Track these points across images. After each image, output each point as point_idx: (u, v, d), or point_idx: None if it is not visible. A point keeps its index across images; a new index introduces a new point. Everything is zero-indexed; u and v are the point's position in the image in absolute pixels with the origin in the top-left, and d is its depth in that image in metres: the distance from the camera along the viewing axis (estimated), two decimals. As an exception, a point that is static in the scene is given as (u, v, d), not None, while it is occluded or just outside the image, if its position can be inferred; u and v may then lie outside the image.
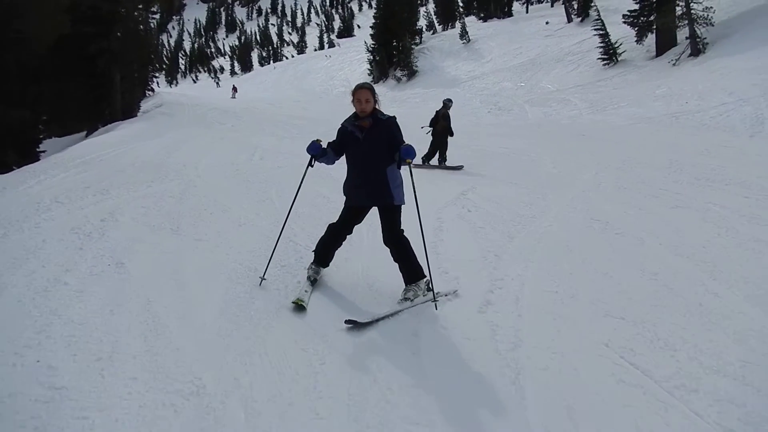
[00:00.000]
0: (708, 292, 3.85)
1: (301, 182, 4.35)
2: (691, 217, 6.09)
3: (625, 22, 21.04)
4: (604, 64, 21.58)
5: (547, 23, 33.04)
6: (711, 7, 17.40)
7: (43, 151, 19.43)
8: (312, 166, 4.19)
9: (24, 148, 18.64)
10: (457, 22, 41.08)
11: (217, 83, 46.51)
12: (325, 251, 4.27)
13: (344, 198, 4.25)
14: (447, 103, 11.63)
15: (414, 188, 3.86)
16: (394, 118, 4.04)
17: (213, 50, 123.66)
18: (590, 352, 3.02)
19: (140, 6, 28.31)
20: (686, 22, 17.78)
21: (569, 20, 31.99)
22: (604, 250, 4.98)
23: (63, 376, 2.72)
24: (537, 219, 6.25)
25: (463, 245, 5.12)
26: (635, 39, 20.90)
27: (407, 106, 25.16)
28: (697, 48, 17.31)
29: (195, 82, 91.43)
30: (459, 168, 10.16)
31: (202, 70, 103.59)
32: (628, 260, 4.66)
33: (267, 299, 3.85)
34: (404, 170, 3.99)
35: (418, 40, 39.92)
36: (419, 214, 3.91)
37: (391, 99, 27.66)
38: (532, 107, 19.76)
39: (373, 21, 40.62)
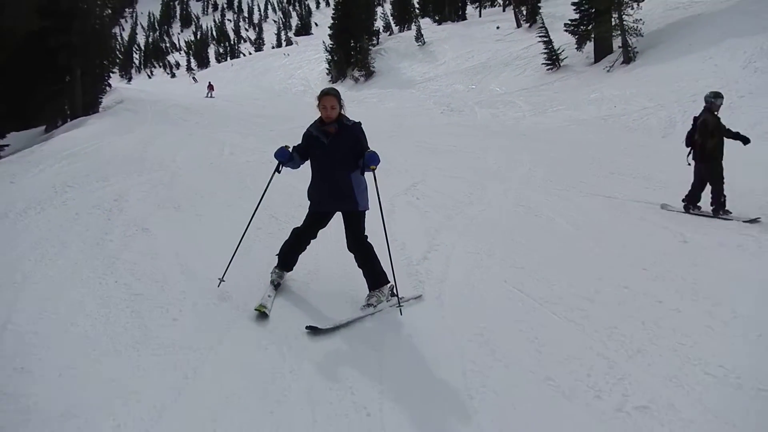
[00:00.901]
0: (590, 250, 5.17)
1: (267, 186, 4.40)
2: (597, 202, 7.45)
3: (566, 31, 22.68)
4: (548, 69, 23.22)
5: (498, 28, 34.65)
6: (640, 20, 19.18)
7: (7, 145, 19.75)
8: (279, 172, 4.19)
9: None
10: (413, 24, 42.46)
11: (194, 78, 43.20)
12: (289, 255, 4.32)
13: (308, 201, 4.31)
14: (713, 102, 7.04)
15: (378, 194, 3.97)
16: (359, 124, 4.09)
17: (168, 45, 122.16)
18: (494, 285, 4.29)
19: (99, 1, 28.56)
20: (619, 32, 19.53)
21: (518, 25, 33.64)
22: (522, 227, 6.25)
23: (136, 288, 3.97)
24: (474, 205, 7.48)
25: (410, 223, 6.30)
26: (575, 46, 22.59)
27: (365, 106, 26.31)
28: (628, 56, 19.06)
29: (150, 77, 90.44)
30: (755, 221, 6.31)
31: (157, 65, 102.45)
32: (538, 233, 5.94)
33: (262, 255, 4.87)
34: (368, 176, 4.05)
35: (375, 41, 41.10)
36: (383, 220, 4.04)
37: (349, 99, 28.30)
38: (481, 108, 21.20)
39: (332, 21, 41.63)
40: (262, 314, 3.80)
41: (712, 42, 15.74)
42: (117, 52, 42.36)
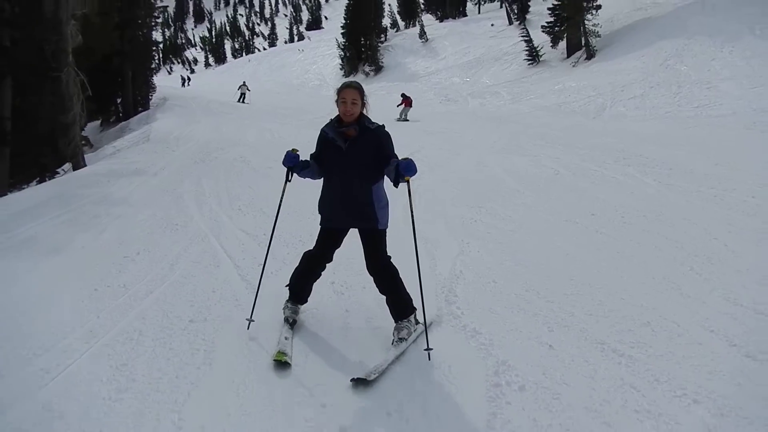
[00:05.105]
0: (502, 179, 9.60)
1: (281, 199, 3.96)
2: (526, 159, 11.75)
3: (543, 31, 26.95)
4: (529, 64, 27.46)
5: (492, 25, 38.79)
6: (598, 23, 23.45)
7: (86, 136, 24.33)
8: (290, 181, 3.73)
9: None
10: (417, 21, 46.70)
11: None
12: (301, 285, 3.84)
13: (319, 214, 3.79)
14: None
15: (411, 208, 3.63)
16: (383, 127, 3.63)
17: (183, 41, 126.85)
18: (445, 186, 8.74)
19: (145, 14, 32.97)
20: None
21: (510, 22, 37.78)
22: (472, 172, 10.67)
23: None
24: (449, 163, 11.81)
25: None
26: (551, 45, 26.88)
27: (374, 98, 29.10)
28: (590, 53, 23.35)
29: (170, 73, 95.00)
30: None
31: (175, 61, 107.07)
32: (480, 173, 10.36)
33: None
34: (391, 190, 3.71)
35: (383, 38, 45.45)
36: (415, 239, 3.63)
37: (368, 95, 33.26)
38: (472, 99, 25.60)
39: (343, 20, 45.96)
40: (283, 364, 3.31)
41: (647, 43, 20.03)
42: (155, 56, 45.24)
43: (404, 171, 3.32)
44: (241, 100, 31.71)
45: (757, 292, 4.33)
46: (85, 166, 13.02)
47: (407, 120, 20.89)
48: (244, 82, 35.35)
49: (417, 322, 3.72)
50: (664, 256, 5.32)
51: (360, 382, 3.13)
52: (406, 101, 21.80)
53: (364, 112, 3.61)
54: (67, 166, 14.60)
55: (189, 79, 55.68)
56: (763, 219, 6.39)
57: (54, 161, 15.06)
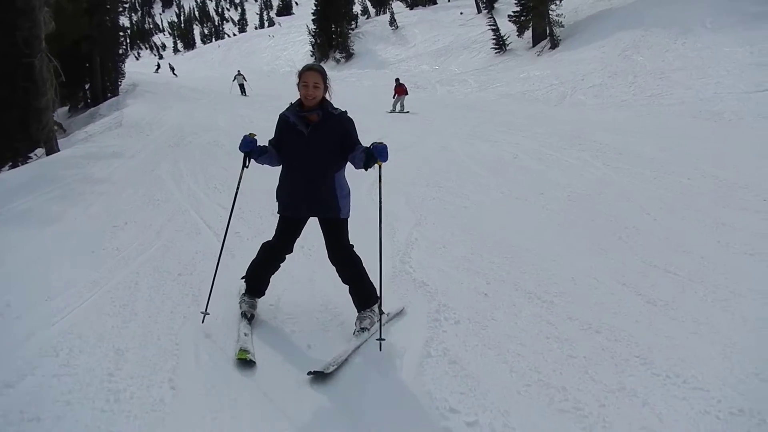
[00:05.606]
0: (462, 161, 10.24)
1: (238, 186, 3.77)
2: (486, 144, 12.44)
3: (510, 20, 27.70)
4: (496, 53, 28.23)
5: (461, 13, 39.50)
6: (562, 14, 24.27)
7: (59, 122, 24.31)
8: (247, 167, 3.55)
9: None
10: (388, 9, 47.10)
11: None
12: (258, 277, 3.72)
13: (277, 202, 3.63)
14: None
15: (380, 196, 3.62)
16: (346, 113, 3.49)
17: (151, 26, 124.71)
18: (410, 166, 9.32)
19: (112, -2, 32.73)
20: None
21: (479, 11, 38.47)
22: (437, 155, 11.29)
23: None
24: (415, 147, 12.42)
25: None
26: (517, 34, 27.64)
27: (345, 84, 31.11)
28: (554, 43, 24.15)
29: (137, 59, 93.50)
30: None
31: (143, 47, 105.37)
32: (443, 157, 10.97)
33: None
34: (356, 178, 3.64)
35: (354, 25, 45.77)
36: (381, 228, 3.58)
37: (332, 79, 33.40)
38: (441, 86, 26.23)
39: (314, 7, 46.08)
40: (246, 362, 3.18)
41: (607, 34, 20.91)
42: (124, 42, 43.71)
43: (378, 155, 3.26)
44: (242, 92, 27.40)
45: (671, 257, 5.04)
46: (59, 150, 13.28)
47: (406, 112, 19.23)
48: (239, 71, 29.92)
49: (382, 312, 3.61)
50: (598, 228, 6.03)
51: (317, 375, 3.04)
52: (400, 89, 19.66)
53: (327, 96, 3.48)
54: (40, 151, 14.82)
55: (170, 67, 51.11)
56: (692, 197, 7.18)
57: (26, 146, 15.26)
